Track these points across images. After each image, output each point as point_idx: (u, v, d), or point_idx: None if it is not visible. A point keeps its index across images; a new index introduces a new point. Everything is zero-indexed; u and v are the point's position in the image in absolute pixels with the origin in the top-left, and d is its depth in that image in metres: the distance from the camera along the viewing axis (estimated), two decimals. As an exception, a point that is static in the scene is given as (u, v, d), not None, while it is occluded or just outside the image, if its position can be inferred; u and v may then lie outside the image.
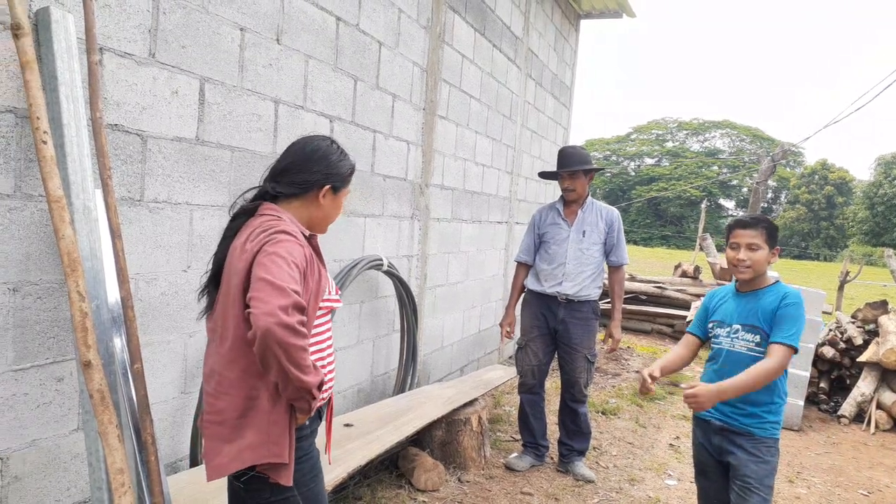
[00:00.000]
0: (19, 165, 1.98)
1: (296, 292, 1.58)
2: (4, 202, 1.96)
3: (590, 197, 4.20)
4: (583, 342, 4.09)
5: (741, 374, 2.43)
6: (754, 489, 2.53)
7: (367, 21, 3.78)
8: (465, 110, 5.37)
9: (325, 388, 1.89)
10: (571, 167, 4.04)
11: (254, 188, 1.89)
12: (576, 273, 4.05)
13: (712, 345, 2.73)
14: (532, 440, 4.26)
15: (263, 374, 1.66)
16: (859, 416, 5.98)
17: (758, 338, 2.54)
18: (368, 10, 3.78)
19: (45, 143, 1.82)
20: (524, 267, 4.33)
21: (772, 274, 2.69)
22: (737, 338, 2.60)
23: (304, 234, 1.80)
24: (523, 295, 4.35)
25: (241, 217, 1.83)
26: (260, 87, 2.97)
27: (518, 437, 4.53)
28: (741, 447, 2.55)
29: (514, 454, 4.28)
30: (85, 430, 2.05)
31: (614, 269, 4.23)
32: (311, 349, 1.80)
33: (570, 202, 4.17)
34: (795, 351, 2.46)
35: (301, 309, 1.58)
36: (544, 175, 4.42)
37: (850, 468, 4.77)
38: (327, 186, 1.85)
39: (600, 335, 5.43)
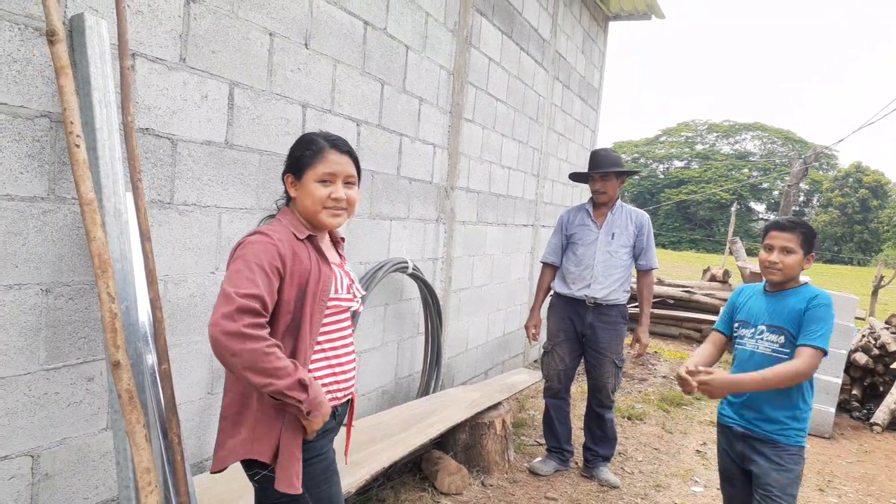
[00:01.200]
0: (53, 169, 2.03)
1: (247, 295, 1.57)
2: (39, 205, 2.00)
3: (619, 200, 4.16)
4: (610, 347, 4.04)
5: (764, 370, 2.38)
6: (776, 498, 2.48)
7: (394, 25, 3.79)
8: (492, 113, 5.36)
9: (345, 387, 1.89)
10: (603, 169, 4.01)
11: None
12: (604, 276, 4.01)
13: (736, 345, 2.69)
14: (556, 445, 4.23)
15: None
16: (893, 424, 5.85)
17: (782, 339, 2.49)
18: (396, 14, 3.80)
19: (77, 146, 1.85)
20: (550, 268, 4.30)
21: (802, 278, 2.64)
22: (761, 339, 2.55)
23: (297, 235, 1.78)
24: (549, 298, 4.33)
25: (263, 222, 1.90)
26: (288, 91, 3.00)
27: (542, 441, 4.50)
28: (764, 455, 2.51)
29: (539, 458, 4.26)
30: (113, 430, 2.09)
31: (643, 273, 4.19)
32: (316, 348, 1.80)
33: (600, 204, 4.13)
34: (825, 353, 2.39)
35: (250, 311, 1.56)
36: (575, 177, 4.38)
37: (882, 477, 4.67)
38: (288, 177, 1.85)
39: (627, 339, 5.38)
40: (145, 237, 2.11)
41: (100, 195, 2.03)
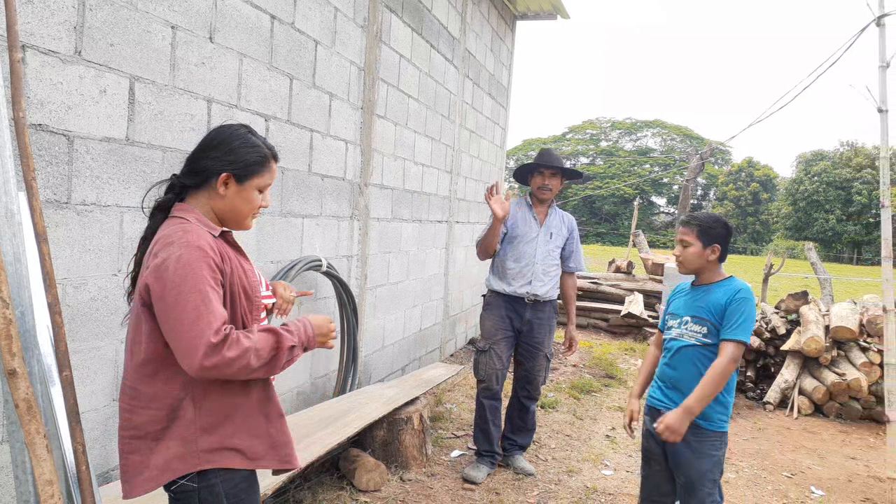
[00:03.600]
0: (-65, 167, 1.89)
1: (210, 324, 1.54)
2: (-81, 206, 1.86)
3: (553, 202, 4.23)
4: (544, 341, 4.13)
5: (700, 384, 2.50)
6: (699, 485, 2.58)
7: (302, 19, 3.74)
8: (404, 110, 5.37)
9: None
10: (555, 164, 4.05)
11: (165, 181, 1.81)
12: (543, 273, 4.06)
13: (665, 336, 2.80)
14: (489, 448, 4.14)
15: (186, 385, 1.65)
16: (783, 403, 6.27)
17: (705, 329, 2.61)
18: (304, 8, 3.75)
19: (-37, 143, 1.74)
20: None
21: (728, 271, 2.80)
22: (686, 329, 2.67)
23: (212, 233, 1.71)
24: (484, 298, 4.26)
25: (157, 214, 1.76)
26: (192, 86, 2.91)
27: (459, 433, 4.56)
28: (686, 441, 2.56)
29: (469, 466, 4.08)
30: (10, 442, 1.97)
31: (569, 274, 4.29)
32: None
33: (542, 201, 4.14)
34: (745, 344, 2.54)
35: (214, 347, 1.54)
36: (519, 173, 4.27)
37: (774, 452, 5.00)
38: (225, 174, 1.72)
39: (558, 336, 5.52)
40: (41, 239, 2.00)
41: (-11, 195, 1.91)
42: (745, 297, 2.59)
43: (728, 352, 2.51)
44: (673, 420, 2.48)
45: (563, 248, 4.19)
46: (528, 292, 4.05)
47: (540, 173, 4.10)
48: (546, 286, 4.08)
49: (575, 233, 4.22)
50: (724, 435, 2.64)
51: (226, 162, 1.72)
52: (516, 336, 4.16)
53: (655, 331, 3.12)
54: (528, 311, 4.09)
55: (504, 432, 4.30)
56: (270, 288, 1.94)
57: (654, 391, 2.80)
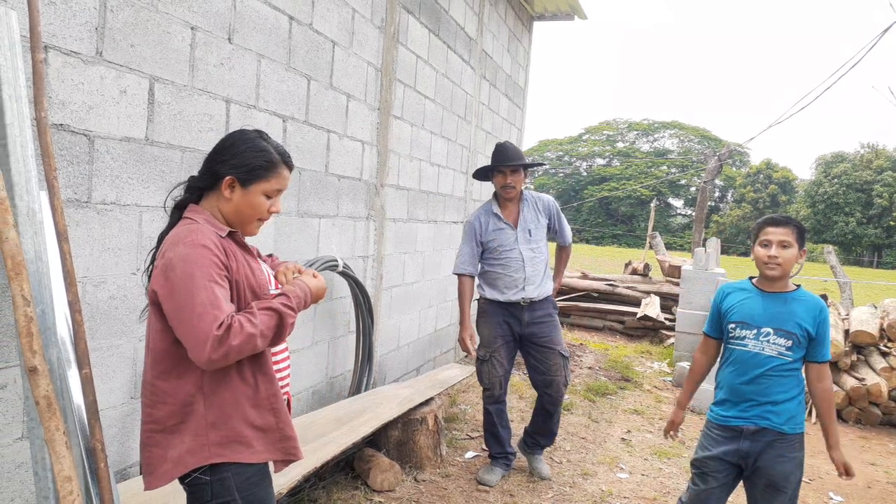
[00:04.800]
0: (-41, 166, 1.92)
1: (214, 319, 1.57)
2: (-57, 204, 1.89)
3: (523, 190, 4.07)
4: (553, 339, 3.99)
5: (826, 417, 2.59)
6: (783, 487, 2.55)
7: (320, 20, 3.76)
8: (421, 111, 5.38)
9: (280, 387, 1.89)
10: (514, 162, 3.89)
11: (184, 183, 1.86)
12: (534, 275, 3.97)
13: (733, 346, 2.66)
14: (501, 451, 4.11)
15: (197, 381, 1.70)
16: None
17: (790, 342, 2.52)
18: (322, 9, 3.76)
19: (-14, 143, 1.76)
20: (469, 278, 4.11)
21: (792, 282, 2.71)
22: (767, 341, 2.55)
23: (219, 233, 1.74)
24: (478, 305, 4.18)
25: (175, 213, 1.82)
26: (211, 86, 2.93)
27: (473, 434, 4.55)
28: (771, 447, 2.54)
29: (483, 468, 4.09)
30: (30, 439, 1.99)
31: (561, 248, 4.33)
32: None
33: (507, 200, 4.01)
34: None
35: (219, 339, 1.57)
36: (479, 174, 4.15)
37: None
38: (230, 178, 1.75)
39: None
40: (62, 237, 2.02)
41: (12, 194, 1.93)
42: (828, 316, 2.55)
43: (828, 374, 2.57)
44: (845, 459, 2.60)
45: (549, 229, 4.10)
46: (522, 298, 3.96)
47: (501, 172, 3.93)
48: (539, 287, 3.99)
49: (554, 212, 4.09)
50: (803, 436, 2.61)
51: (231, 165, 1.76)
52: (517, 340, 4.06)
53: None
54: (525, 314, 3.99)
55: (527, 428, 4.22)
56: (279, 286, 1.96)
57: (727, 410, 2.64)
